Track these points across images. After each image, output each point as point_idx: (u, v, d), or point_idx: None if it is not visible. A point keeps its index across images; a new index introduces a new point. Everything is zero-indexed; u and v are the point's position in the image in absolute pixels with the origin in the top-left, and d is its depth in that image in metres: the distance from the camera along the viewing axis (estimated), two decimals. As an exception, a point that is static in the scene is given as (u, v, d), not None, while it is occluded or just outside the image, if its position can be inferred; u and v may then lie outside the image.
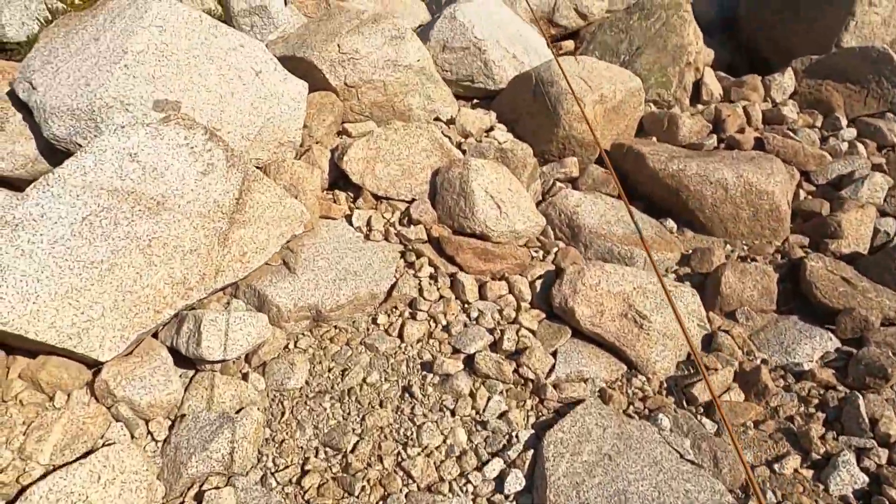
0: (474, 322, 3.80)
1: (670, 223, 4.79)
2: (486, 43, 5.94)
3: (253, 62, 4.57)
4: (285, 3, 6.54)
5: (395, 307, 3.90)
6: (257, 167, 4.62)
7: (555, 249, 4.47)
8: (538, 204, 4.85)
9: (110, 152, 3.33)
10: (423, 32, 6.22)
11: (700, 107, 6.15)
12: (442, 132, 5.38)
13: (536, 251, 4.51)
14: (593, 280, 3.85)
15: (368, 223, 4.39)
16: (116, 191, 3.29)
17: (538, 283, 4.08)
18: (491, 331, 3.74)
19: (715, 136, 5.42)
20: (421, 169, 4.61)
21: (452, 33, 5.92)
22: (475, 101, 6.22)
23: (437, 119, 5.67)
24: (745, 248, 4.59)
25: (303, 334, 3.74)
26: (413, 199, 4.54)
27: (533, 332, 3.77)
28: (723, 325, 3.91)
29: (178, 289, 3.40)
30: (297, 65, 5.41)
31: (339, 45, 5.26)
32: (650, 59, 6.27)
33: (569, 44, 7.65)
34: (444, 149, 4.69)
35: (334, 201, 4.57)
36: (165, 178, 3.44)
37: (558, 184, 5.07)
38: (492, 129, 5.54)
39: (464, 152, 5.06)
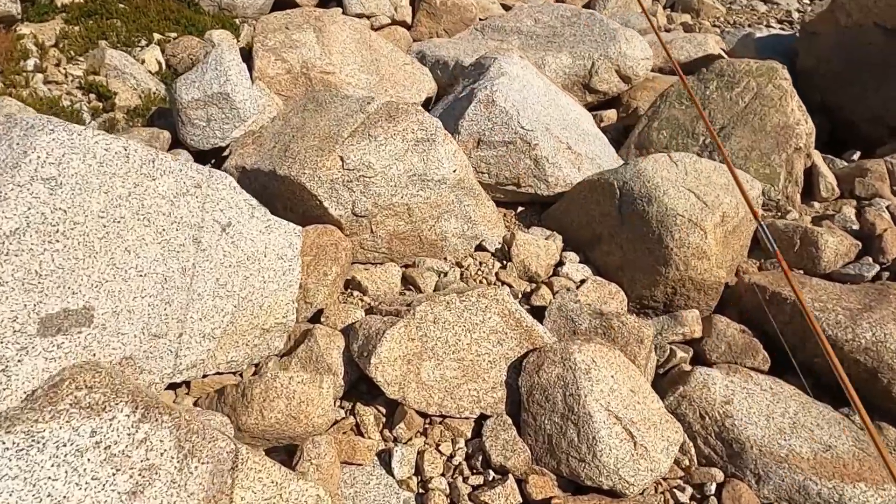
0: None
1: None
2: (536, 134, 4.33)
3: (217, 210, 2.84)
4: (252, 82, 4.84)
5: None
6: (232, 373, 2.88)
7: (710, 486, 2.83)
8: (657, 388, 3.21)
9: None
10: (448, 118, 4.58)
11: (817, 206, 4.65)
12: (497, 276, 3.71)
13: (680, 487, 2.85)
14: None
15: (419, 471, 2.68)
16: None
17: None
18: None
19: (871, 262, 3.89)
20: (491, 363, 2.93)
21: (491, 123, 4.30)
22: (520, 208, 4.59)
23: (480, 248, 4.01)
24: None
25: None
26: (483, 415, 2.86)
27: None
28: None
29: None
30: (279, 183, 3.71)
31: (341, 158, 3.57)
32: (744, 142, 4.75)
33: (611, 114, 6.12)
34: (524, 327, 3.02)
35: (358, 430, 2.84)
36: (50, 533, 1.67)
37: (678, 352, 3.45)
38: (561, 262, 3.90)
39: (540, 313, 3.39)
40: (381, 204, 3.62)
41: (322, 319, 3.21)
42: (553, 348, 2.90)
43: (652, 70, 6.61)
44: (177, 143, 4.51)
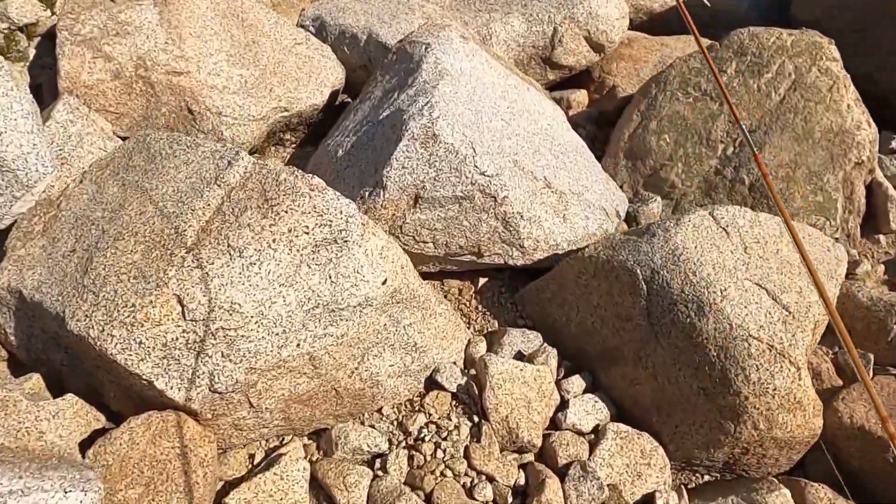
0: None
1: None
2: (503, 179, 2.81)
3: None
4: (44, 97, 3.05)
5: None
6: None
7: None
8: None
9: None
10: (362, 156, 2.97)
11: (884, 242, 3.37)
12: (468, 457, 2.28)
13: None
14: None
15: None
16: None
17: None
18: None
19: None
20: None
21: (435, 170, 2.73)
22: (482, 280, 3.11)
23: (435, 385, 2.53)
24: None
25: None
26: None
27: None
28: None
29: None
30: (76, 339, 2.09)
31: (179, 300, 1.98)
32: (783, 156, 3.38)
33: (580, 96, 4.60)
34: None
35: None
36: None
37: (764, 566, 2.16)
38: (564, 402, 2.49)
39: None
40: (262, 366, 2.08)
41: None
42: None
43: (634, 30, 5.08)
44: (-78, 229, 2.74)
